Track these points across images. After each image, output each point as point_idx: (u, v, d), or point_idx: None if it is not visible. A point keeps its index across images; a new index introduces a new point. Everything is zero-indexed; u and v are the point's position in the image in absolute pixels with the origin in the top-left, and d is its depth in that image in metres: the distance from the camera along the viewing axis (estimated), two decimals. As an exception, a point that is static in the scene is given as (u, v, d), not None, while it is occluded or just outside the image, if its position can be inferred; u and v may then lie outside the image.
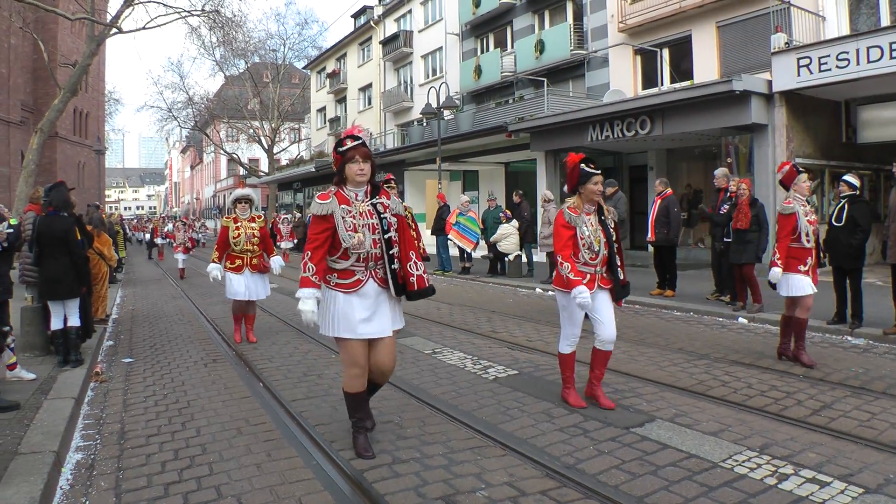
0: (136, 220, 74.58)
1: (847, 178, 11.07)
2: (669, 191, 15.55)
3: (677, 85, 23.90)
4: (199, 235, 49.33)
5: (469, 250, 21.73)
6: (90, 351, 10.36)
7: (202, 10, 30.76)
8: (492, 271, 21.16)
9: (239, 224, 11.10)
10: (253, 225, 11.22)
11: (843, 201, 10.94)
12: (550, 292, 16.99)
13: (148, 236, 45.08)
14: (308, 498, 5.13)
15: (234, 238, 10.99)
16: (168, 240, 35.06)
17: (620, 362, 9.17)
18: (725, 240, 13.53)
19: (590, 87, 29.17)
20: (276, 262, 11.57)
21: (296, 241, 32.06)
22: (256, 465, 5.81)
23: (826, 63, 17.26)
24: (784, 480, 5.22)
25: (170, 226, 37.99)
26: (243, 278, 11.20)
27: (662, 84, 25.66)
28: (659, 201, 15.40)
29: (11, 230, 8.63)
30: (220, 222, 11.79)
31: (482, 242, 21.75)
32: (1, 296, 8.57)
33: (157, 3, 29.04)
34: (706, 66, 24.10)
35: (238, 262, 11.15)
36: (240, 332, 11.69)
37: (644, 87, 26.76)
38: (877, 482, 5.18)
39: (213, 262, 11.34)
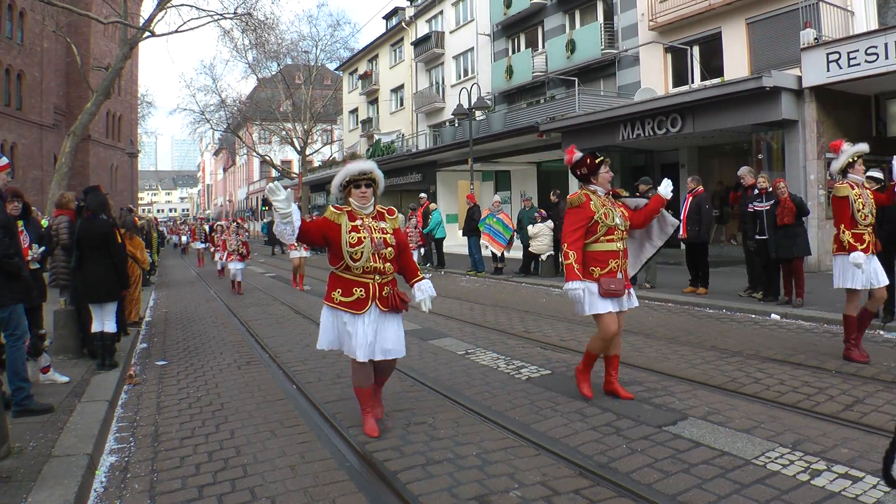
0: (171, 223, 74.91)
1: (872, 173, 11.01)
2: (701, 188, 15.47)
3: (707, 82, 23.75)
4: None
5: (498, 253, 21.68)
6: (124, 354, 10.48)
7: (234, 12, 30.97)
8: (524, 271, 21.10)
9: (359, 223, 6.40)
10: (384, 225, 6.53)
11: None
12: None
13: (185, 239, 45.19)
14: (343, 499, 5.13)
15: (351, 248, 6.26)
16: (208, 244, 33.44)
17: (653, 360, 9.14)
18: (757, 237, 13.47)
19: (621, 86, 29.05)
20: (424, 290, 6.79)
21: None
22: (290, 466, 5.82)
23: (855, 58, 17.12)
24: (817, 476, 5.17)
25: (207, 227, 36.28)
26: (369, 322, 6.41)
27: (693, 82, 25.55)
28: (690, 198, 15.33)
29: (44, 248, 8.73)
30: (326, 214, 6.52)
31: (518, 242, 21.68)
32: (36, 299, 8.65)
33: (190, 6, 29.33)
34: (736, 63, 23.94)
35: (359, 291, 6.36)
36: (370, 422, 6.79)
37: (675, 85, 26.64)
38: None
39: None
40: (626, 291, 7.28)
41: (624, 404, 7.14)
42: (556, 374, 8.71)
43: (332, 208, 5.75)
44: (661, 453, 5.79)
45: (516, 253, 22.83)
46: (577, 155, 7.36)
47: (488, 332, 12.11)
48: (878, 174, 11.06)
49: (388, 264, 6.43)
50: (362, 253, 6.26)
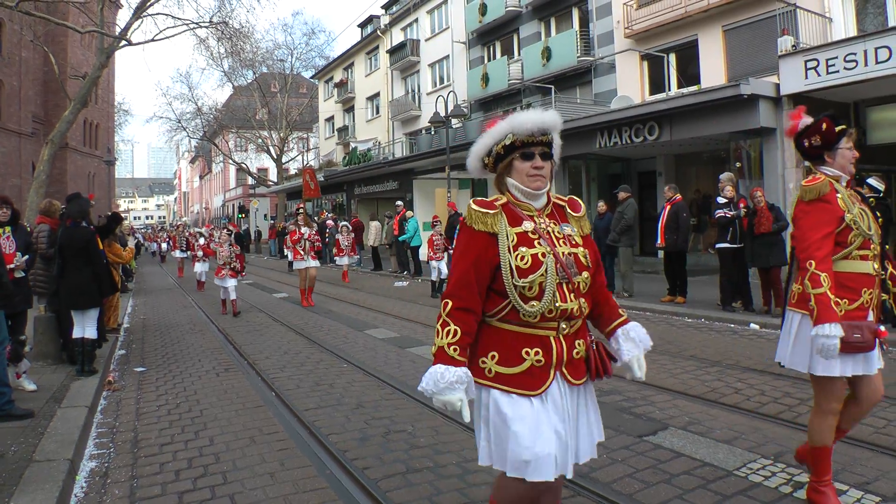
0: (149, 230, 74.31)
1: (871, 181, 11.02)
2: (679, 196, 15.52)
3: (685, 90, 23.84)
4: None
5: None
6: (102, 360, 10.40)
7: (210, 21, 30.98)
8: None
9: (529, 228, 3.53)
10: (569, 230, 3.69)
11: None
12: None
13: (165, 246, 44.47)
14: (322, 507, 5.12)
15: (521, 279, 3.39)
16: (189, 253, 29.81)
17: (632, 370, 9.14)
18: (718, 245, 13.62)
19: (597, 94, 29.11)
20: (635, 338, 3.96)
21: (356, 256, 27.83)
22: (270, 474, 5.80)
23: (834, 65, 17.18)
24: (800, 489, 5.16)
25: (186, 234, 34.19)
26: (552, 408, 3.51)
27: (670, 89, 25.65)
28: (668, 207, 15.37)
29: (28, 256, 8.71)
30: (467, 219, 3.57)
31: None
32: (19, 305, 8.64)
33: (166, 15, 29.30)
34: (713, 71, 24.04)
35: (533, 354, 3.46)
36: None
37: (651, 93, 26.71)
38: (894, 490, 5.14)
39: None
40: (878, 343, 4.60)
41: (604, 414, 7.06)
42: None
43: (474, 206, 3.50)
44: (642, 463, 5.80)
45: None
46: (806, 120, 5.28)
47: (466, 339, 12.05)
48: (878, 184, 10.97)
49: (583, 300, 3.56)
50: (542, 285, 3.39)
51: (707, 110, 19.49)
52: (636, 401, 7.66)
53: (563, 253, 3.49)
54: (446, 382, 3.26)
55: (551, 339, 3.46)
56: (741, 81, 18.37)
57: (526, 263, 3.37)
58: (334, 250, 26.48)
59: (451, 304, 3.39)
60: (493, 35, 36.86)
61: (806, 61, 17.80)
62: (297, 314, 16.16)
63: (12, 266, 8.37)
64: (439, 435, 6.68)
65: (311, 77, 65.41)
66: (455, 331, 3.33)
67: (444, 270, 18.84)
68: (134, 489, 5.62)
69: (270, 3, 76.56)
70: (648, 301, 15.41)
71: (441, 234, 19.75)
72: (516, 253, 3.39)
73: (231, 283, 16.61)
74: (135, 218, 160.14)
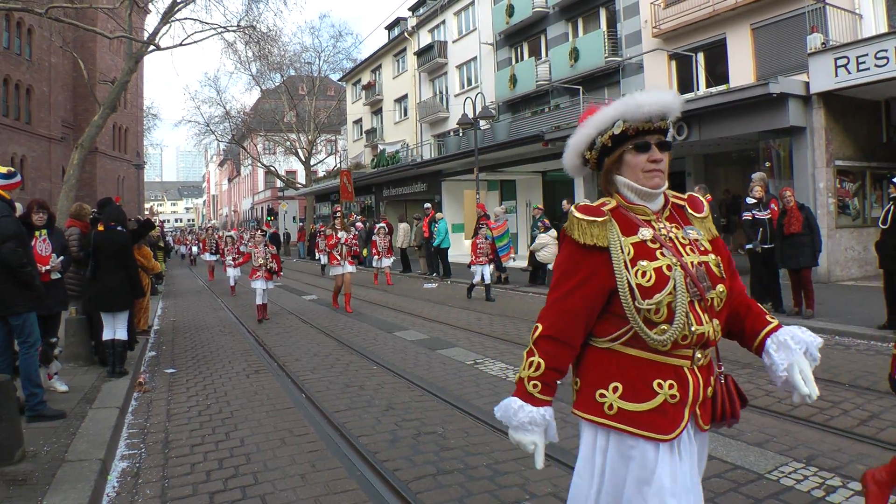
0: (178, 233, 74.56)
1: None
2: (708, 196, 15.39)
3: (713, 89, 23.67)
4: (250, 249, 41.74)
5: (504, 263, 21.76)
6: (133, 361, 10.52)
7: (238, 25, 31.16)
8: (532, 280, 21.06)
9: (647, 235, 2.90)
10: (693, 233, 3.03)
11: (891, 203, 10.71)
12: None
13: (195, 249, 44.40)
14: (353, 509, 5.13)
15: (646, 299, 2.77)
16: (218, 256, 29.92)
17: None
18: (747, 247, 13.43)
19: (625, 94, 28.82)
20: (803, 347, 3.01)
21: (392, 258, 26.66)
22: (301, 475, 5.82)
23: (864, 62, 16.97)
24: (832, 493, 5.12)
25: (224, 234, 31.53)
26: (686, 456, 2.89)
27: (698, 89, 25.49)
28: (698, 208, 15.19)
29: (64, 258, 8.81)
30: (568, 230, 2.94)
31: (519, 253, 21.64)
32: (56, 307, 8.74)
33: (194, 20, 29.49)
34: (742, 70, 23.88)
35: (667, 388, 2.81)
36: None
37: (680, 93, 26.35)
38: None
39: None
40: None
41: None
42: (565, 384, 8.64)
43: (577, 213, 2.90)
44: (671, 464, 5.73)
45: (522, 262, 22.79)
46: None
47: (496, 341, 12.10)
48: None
49: (717, 321, 2.92)
50: (671, 306, 2.79)
51: (736, 110, 19.32)
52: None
53: (691, 263, 2.85)
54: (518, 421, 2.89)
55: (686, 370, 2.81)
56: (770, 80, 18.21)
57: (649, 280, 2.77)
58: (372, 251, 25.56)
59: (540, 329, 2.90)
60: (520, 36, 36.83)
61: (836, 59, 17.61)
62: (326, 316, 16.20)
63: (48, 267, 8.46)
64: (470, 437, 6.68)
65: (339, 80, 65.56)
66: (539, 364, 2.85)
67: (487, 276, 18.41)
68: (165, 489, 5.66)
69: (297, 6, 77.06)
70: (678, 302, 15.29)
71: (487, 238, 18.76)
72: (635, 268, 2.78)
73: (265, 284, 15.81)
74: (163, 221, 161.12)
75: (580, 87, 29.37)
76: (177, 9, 28.27)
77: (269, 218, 64.00)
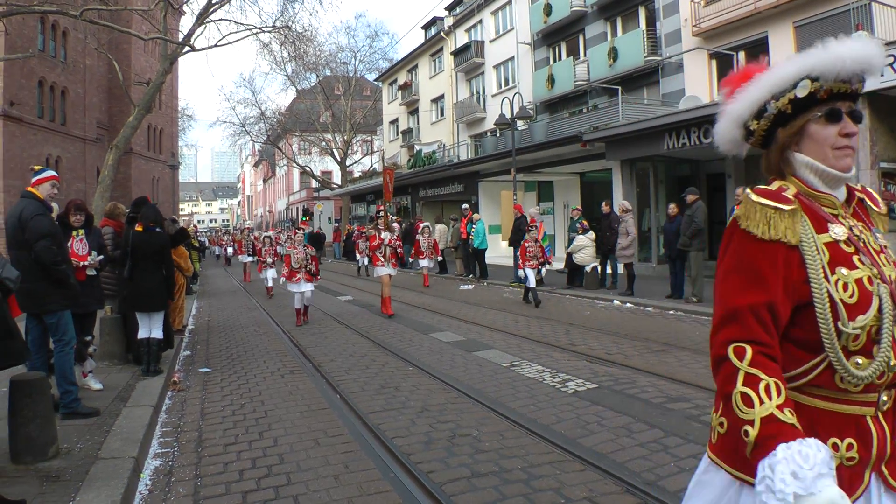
0: (212, 234, 75.01)
1: None
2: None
3: (756, 90, 23.45)
4: (286, 250, 38.58)
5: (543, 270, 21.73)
6: (168, 360, 10.61)
7: (273, 26, 31.30)
8: (570, 283, 20.99)
9: (840, 234, 2.24)
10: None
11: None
12: (628, 304, 16.86)
13: (230, 250, 44.43)
14: (387, 510, 5.12)
15: (853, 322, 2.10)
16: (256, 257, 28.14)
17: (702, 377, 9.00)
18: None
19: (665, 94, 28.82)
20: None
21: (438, 258, 27.08)
22: (334, 476, 5.82)
23: (912, 61, 16.66)
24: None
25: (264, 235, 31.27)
26: None
27: (740, 89, 25.22)
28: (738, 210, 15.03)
29: (102, 257, 8.90)
30: (741, 219, 2.27)
31: (556, 255, 21.54)
32: (92, 306, 8.83)
33: (229, 20, 29.68)
34: (784, 70, 23.58)
35: (847, 444, 2.14)
36: None
37: (719, 94, 26.28)
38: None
39: None
40: None
41: (671, 422, 7.05)
42: (602, 388, 8.64)
43: (756, 197, 2.26)
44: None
45: (559, 263, 22.71)
46: None
47: (533, 344, 12.07)
48: None
49: None
50: (872, 333, 2.14)
51: (778, 110, 19.06)
52: (705, 408, 7.51)
53: (890, 277, 2.20)
54: (813, 469, 1.85)
55: (869, 420, 2.15)
56: (814, 80, 17.96)
57: (851, 296, 2.11)
58: (412, 252, 25.46)
59: (750, 351, 2.11)
60: (558, 36, 36.70)
61: (882, 58, 17.30)
62: (362, 317, 16.23)
63: (87, 263, 8.56)
64: (504, 440, 6.65)
65: (375, 80, 65.77)
66: (776, 385, 2.03)
67: (531, 279, 17.77)
68: (198, 488, 5.69)
69: (333, 6, 77.08)
70: (719, 306, 15.16)
71: (536, 241, 18.24)
72: (835, 277, 2.13)
73: (307, 287, 15.27)
74: (198, 221, 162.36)
75: (619, 87, 29.13)
76: (211, 10, 28.46)
77: (304, 218, 64.36)
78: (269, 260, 22.86)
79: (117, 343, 10.64)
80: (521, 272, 18.37)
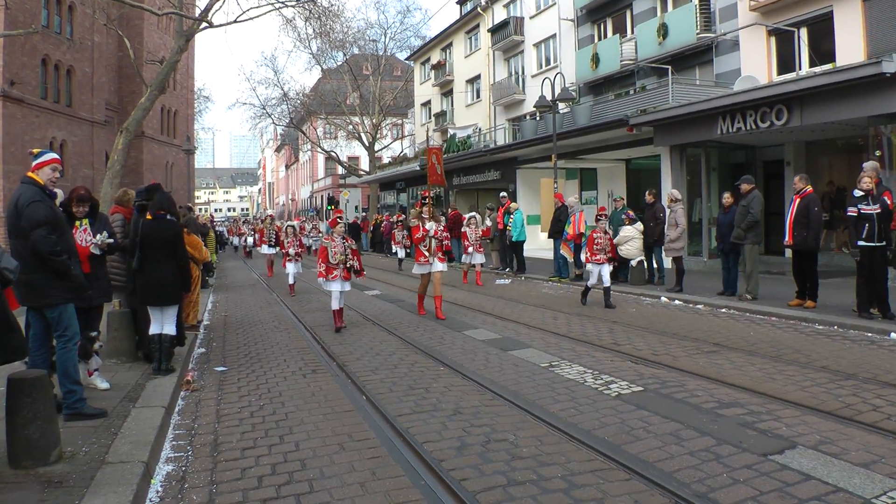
0: (231, 223, 75.20)
1: None
2: (810, 188, 15.02)
3: (817, 69, 23.14)
4: (311, 241, 38.89)
5: (570, 259, 21.56)
6: (181, 358, 10.67)
7: (297, 0, 31.27)
8: (612, 278, 20.82)
9: None
10: None
11: None
12: (677, 301, 16.77)
13: (250, 240, 44.26)
14: (416, 521, 5.11)
15: None
16: (278, 249, 27.96)
17: (756, 380, 8.94)
18: (861, 243, 12.98)
19: (718, 74, 28.60)
20: None
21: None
22: (360, 483, 5.82)
23: None
24: (949, 520, 4.97)
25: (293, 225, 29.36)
26: None
27: (800, 68, 24.99)
28: (798, 200, 14.86)
29: (112, 240, 8.93)
30: None
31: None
32: (98, 299, 8.86)
33: (250, -6, 29.73)
34: (850, 47, 23.28)
35: None
36: None
37: (780, 73, 26.04)
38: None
39: None
40: None
41: (723, 428, 7.00)
42: (648, 390, 8.60)
43: None
44: (767, 485, 5.62)
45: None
46: None
47: (573, 343, 12.03)
48: None
49: None
50: None
51: (843, 91, 18.88)
52: (760, 415, 7.46)
53: None
54: None
55: None
56: (883, 58, 17.72)
57: None
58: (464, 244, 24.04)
59: None
60: (603, 11, 36.49)
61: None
62: (390, 313, 16.25)
63: (96, 241, 8.59)
64: (543, 445, 6.63)
65: (406, 59, 65.82)
66: None
67: (606, 277, 16.52)
68: (213, 495, 5.70)
69: (362, -22, 77.37)
70: (774, 305, 15.04)
71: (606, 233, 16.88)
72: None
73: (343, 286, 14.11)
74: (216, 210, 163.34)
75: (669, 67, 28.94)
76: (232, -18, 28.53)
77: (329, 207, 64.49)
78: (292, 251, 21.85)
79: (126, 339, 10.66)
80: (588, 267, 17.22)
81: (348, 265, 14.05)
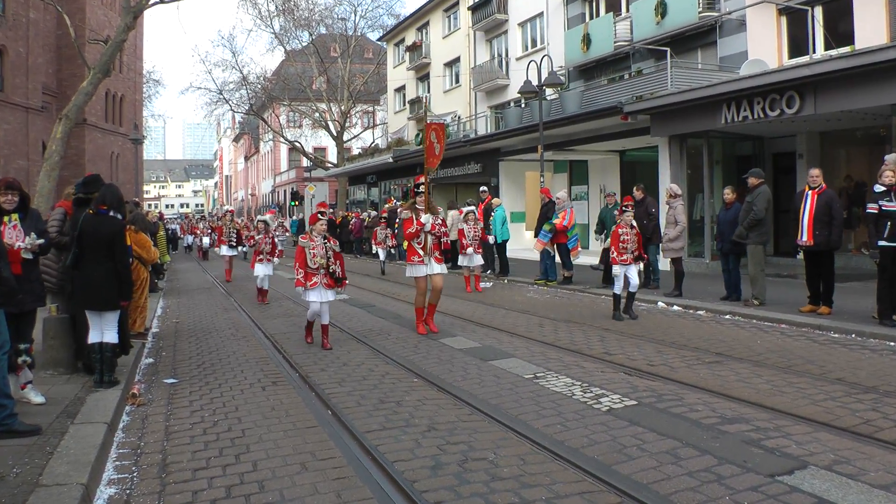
0: (184, 220, 74.74)
1: None
2: (825, 185, 15.02)
3: (833, 52, 23.27)
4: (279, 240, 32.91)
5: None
6: (126, 369, 10.54)
7: (258, -30, 31.24)
8: (606, 281, 20.85)
9: None
10: None
11: None
12: (675, 307, 16.82)
13: (206, 240, 43.88)
14: (386, 549, 5.11)
15: None
16: (244, 248, 29.72)
17: (763, 394, 8.98)
18: (882, 243, 12.98)
19: (723, 58, 28.70)
20: None
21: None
22: (324, 507, 5.81)
23: None
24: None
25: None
26: None
27: (814, 51, 25.10)
28: (816, 196, 14.78)
29: (43, 241, 8.85)
30: None
31: (585, 249, 21.38)
32: (30, 303, 8.77)
33: (206, -37, 29.68)
34: (871, 28, 23.31)
35: None
36: None
37: (791, 56, 26.16)
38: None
39: None
40: None
41: (726, 446, 7.01)
42: (642, 404, 8.63)
43: None
44: (775, 510, 5.64)
45: (590, 258, 22.60)
46: None
47: (561, 352, 12.06)
48: None
49: None
50: None
51: (862, 77, 18.90)
52: (768, 431, 7.48)
53: None
54: None
55: None
56: (906, 41, 17.82)
57: None
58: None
59: None
60: (596, -13, 36.60)
61: None
62: (359, 319, 16.22)
63: (25, 245, 8.50)
64: (526, 465, 6.64)
65: (379, 39, 66.00)
66: None
67: (635, 280, 15.69)
68: (161, 521, 5.67)
69: (330, -52, 77.26)
70: (784, 311, 15.11)
71: (632, 227, 15.77)
72: None
73: (326, 296, 12.88)
74: (167, 206, 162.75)
75: (668, 49, 28.97)
76: (185, -49, 28.47)
77: (293, 203, 64.42)
78: (266, 250, 19.83)
79: (64, 348, 10.51)
80: (615, 270, 15.69)
81: (330, 270, 12.84)
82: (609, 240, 18.69)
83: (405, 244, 15.07)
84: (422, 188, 14.46)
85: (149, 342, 14.00)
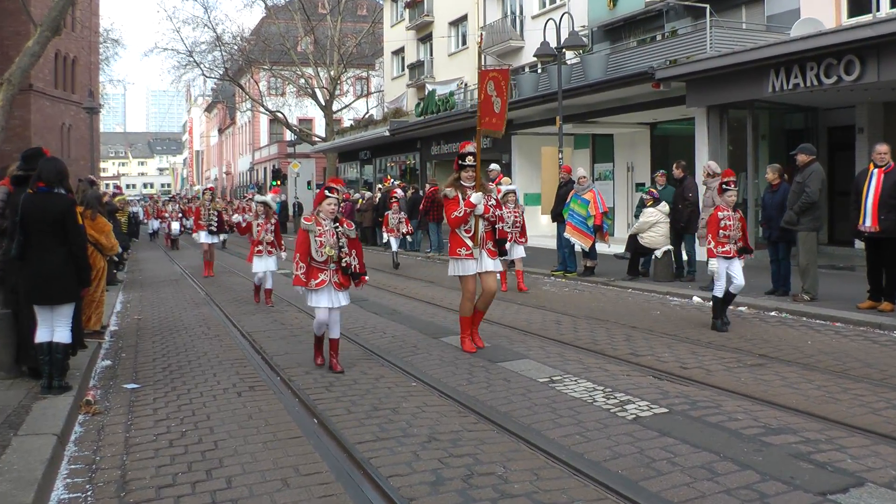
0: (148, 202, 74.41)
1: None
2: (893, 163, 14.83)
3: (901, 10, 23.24)
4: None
5: (586, 247, 21.37)
6: (79, 373, 10.54)
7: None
8: (632, 272, 20.84)
9: None
10: None
11: None
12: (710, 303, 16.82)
13: (176, 226, 43.28)
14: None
15: None
16: (227, 233, 29.32)
17: (814, 401, 9.00)
18: None
19: (771, 17, 28.51)
20: None
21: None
22: (308, 530, 5.84)
23: None
24: None
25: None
26: None
27: (878, 9, 25.00)
28: (883, 175, 14.56)
29: None
30: None
31: (615, 234, 21.22)
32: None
33: None
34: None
35: None
36: None
37: (851, 15, 25.90)
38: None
39: None
40: None
41: (770, 461, 7.03)
42: (674, 412, 8.66)
43: None
44: (827, 534, 5.66)
45: (617, 247, 22.56)
46: None
47: (581, 353, 12.11)
48: None
49: None
50: None
51: (932, 39, 18.87)
52: (818, 444, 7.49)
53: None
54: None
55: None
56: None
57: None
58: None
59: None
60: (625, -67, 36.53)
61: None
62: (350, 316, 16.04)
63: None
64: (539, 480, 6.66)
65: (374, -6, 65.81)
66: None
67: (740, 279, 14.11)
68: (119, 548, 5.69)
69: None
70: (840, 307, 15.10)
71: (736, 210, 14.31)
72: None
73: (338, 299, 11.25)
74: (128, 186, 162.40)
75: (707, 6, 28.90)
76: None
77: (275, 182, 64.44)
78: (268, 240, 18.15)
79: (5, 349, 10.48)
80: (711, 264, 14.10)
81: (343, 264, 11.10)
82: (639, 224, 18.72)
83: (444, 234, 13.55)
84: (470, 159, 12.65)
85: (106, 342, 14.02)
